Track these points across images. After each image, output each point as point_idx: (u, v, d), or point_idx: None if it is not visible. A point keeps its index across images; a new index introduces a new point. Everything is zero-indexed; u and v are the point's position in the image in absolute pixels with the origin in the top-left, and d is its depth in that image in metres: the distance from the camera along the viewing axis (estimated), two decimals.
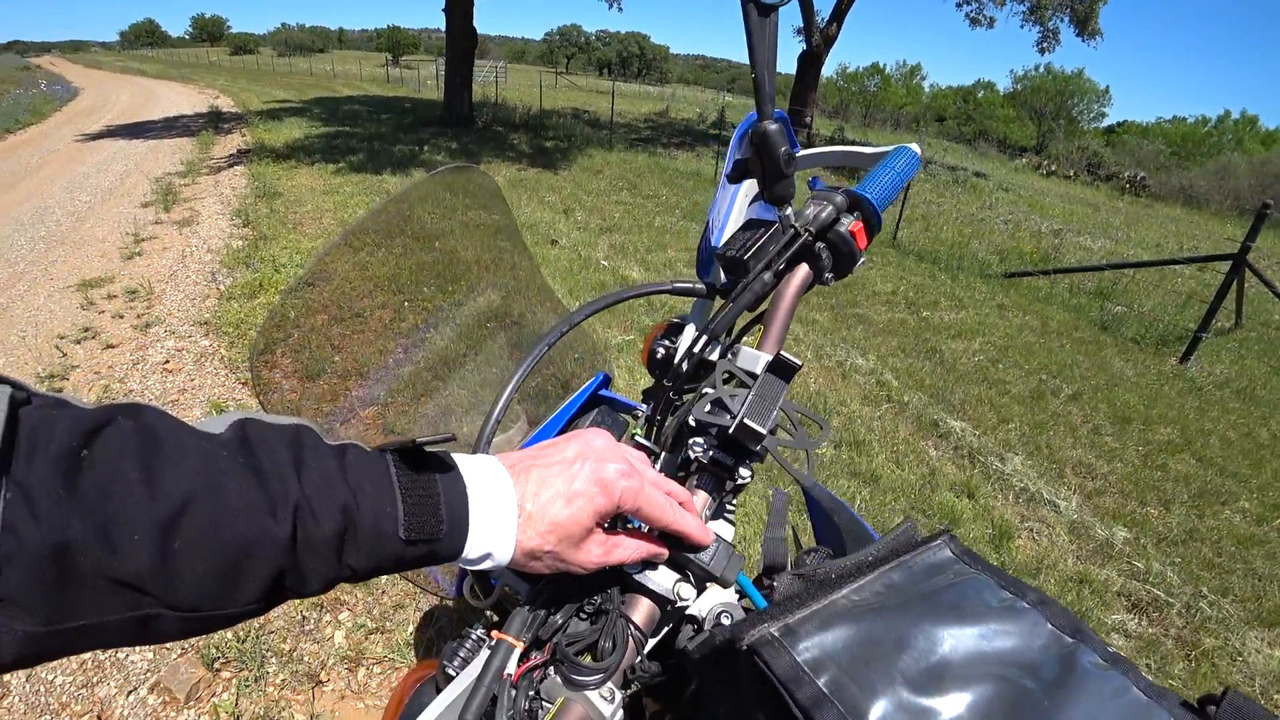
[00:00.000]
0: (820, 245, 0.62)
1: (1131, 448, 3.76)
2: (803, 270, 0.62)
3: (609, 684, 0.47)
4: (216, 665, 1.85)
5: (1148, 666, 2.23)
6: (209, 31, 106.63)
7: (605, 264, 5.66)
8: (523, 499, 0.44)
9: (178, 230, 5.86)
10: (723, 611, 0.55)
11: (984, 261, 7.32)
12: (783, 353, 0.53)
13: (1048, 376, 4.54)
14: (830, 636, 0.36)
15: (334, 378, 0.89)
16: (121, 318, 4.04)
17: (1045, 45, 15.25)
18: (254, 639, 1.91)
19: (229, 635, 1.92)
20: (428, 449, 0.43)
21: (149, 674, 1.85)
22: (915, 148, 0.70)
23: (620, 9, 14.34)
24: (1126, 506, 3.20)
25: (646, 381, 0.73)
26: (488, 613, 0.64)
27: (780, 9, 0.53)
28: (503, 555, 0.44)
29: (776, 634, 0.36)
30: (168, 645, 1.92)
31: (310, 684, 1.81)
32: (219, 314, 4.03)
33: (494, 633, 0.49)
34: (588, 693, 0.46)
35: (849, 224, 0.62)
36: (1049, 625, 0.38)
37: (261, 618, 1.98)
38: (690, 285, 0.66)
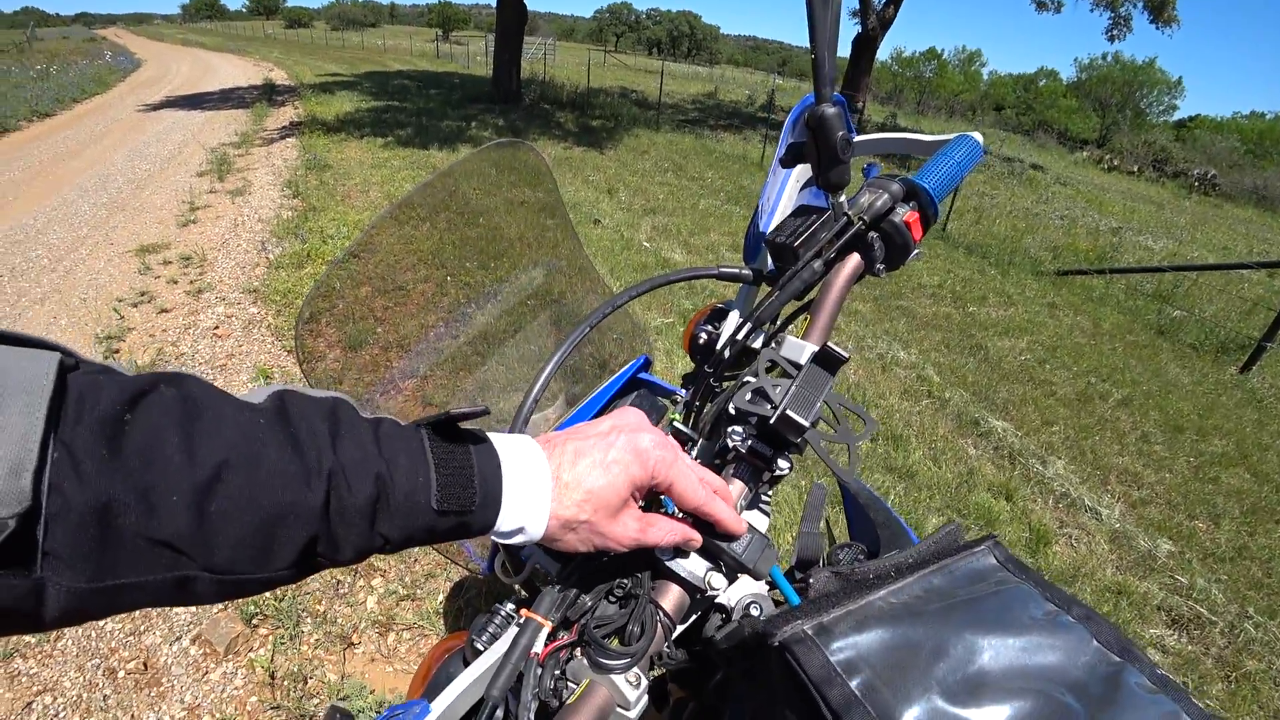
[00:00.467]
0: (873, 235, 0.60)
1: (1182, 458, 3.61)
2: (854, 260, 0.60)
3: (635, 669, 0.46)
4: (254, 622, 1.93)
5: (1186, 683, 2.16)
6: (265, 6, 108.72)
7: (647, 245, 5.63)
8: (558, 470, 0.44)
9: (230, 199, 6.03)
10: (752, 603, 0.54)
11: (1036, 258, 7.06)
12: (830, 344, 0.52)
13: (1097, 380, 4.37)
14: (865, 638, 0.34)
15: (376, 349, 0.90)
16: (175, 283, 4.19)
17: (1116, 32, 14.53)
18: (290, 599, 1.98)
19: (267, 595, 2.00)
20: (463, 425, 0.43)
21: (192, 626, 1.94)
22: (978, 136, 0.67)
23: None
24: (1173, 519, 3.08)
25: (686, 366, 0.72)
26: (518, 589, 0.64)
27: None
28: (536, 529, 0.44)
29: (810, 632, 0.35)
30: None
31: (342, 645, 1.87)
32: (268, 282, 4.14)
33: (523, 611, 0.49)
34: (613, 676, 0.45)
35: (904, 214, 0.60)
36: (1095, 642, 0.36)
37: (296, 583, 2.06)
38: (737, 271, 0.64)
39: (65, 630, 1.91)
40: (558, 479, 0.44)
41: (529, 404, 0.58)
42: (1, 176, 6.88)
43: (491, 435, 0.44)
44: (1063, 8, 14.86)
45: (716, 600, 0.55)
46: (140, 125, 10.07)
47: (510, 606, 0.59)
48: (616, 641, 0.47)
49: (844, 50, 15.45)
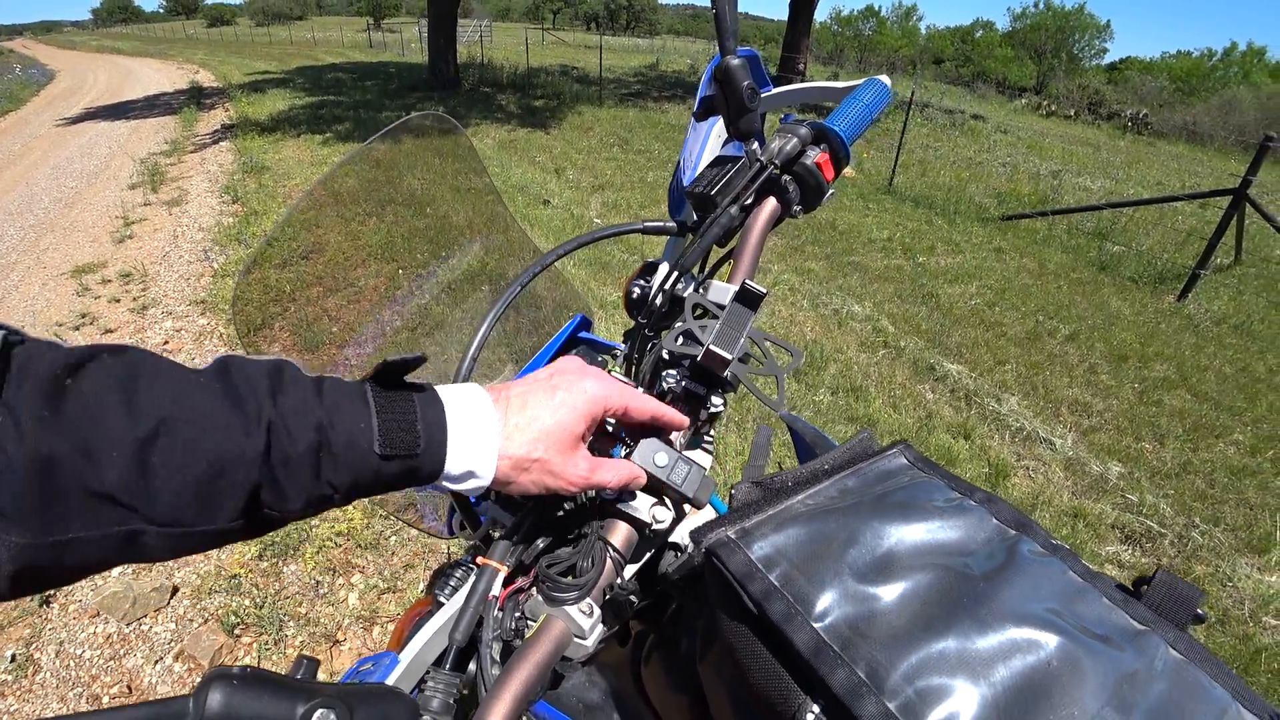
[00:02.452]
0: (786, 178, 0.63)
1: (1127, 385, 3.78)
2: (770, 204, 0.63)
3: (587, 599, 0.49)
4: (236, 631, 1.92)
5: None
6: (184, 4, 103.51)
7: (598, 221, 5.62)
8: (506, 413, 0.46)
9: (167, 210, 5.81)
10: None
11: (981, 206, 7.24)
12: (748, 282, 0.54)
13: (1044, 318, 4.54)
14: (783, 536, 0.38)
15: (316, 328, 0.90)
16: (118, 301, 4.05)
17: None
18: (270, 605, 1.97)
19: (246, 602, 1.98)
20: (407, 380, 0.45)
21: (173, 643, 1.92)
22: (885, 79, 0.70)
23: None
24: (1121, 442, 3.24)
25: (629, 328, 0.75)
26: (478, 545, 0.66)
27: None
28: (485, 472, 0.45)
29: (733, 536, 0.38)
30: (187, 615, 1.98)
31: (329, 643, 1.87)
32: (214, 292, 4.03)
33: (479, 559, 0.51)
34: (567, 608, 0.48)
35: (815, 156, 0.63)
36: (994, 520, 0.40)
37: (275, 585, 2.04)
38: (661, 224, 0.67)
39: (41, 663, 1.88)
40: (505, 421, 0.46)
41: (469, 359, 0.59)
42: None
43: (437, 386, 0.46)
44: None
45: (671, 539, 0.59)
46: (61, 140, 9.58)
47: (468, 560, 0.61)
48: (570, 578, 0.50)
49: (781, 13, 15.41)
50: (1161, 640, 0.34)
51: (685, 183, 0.67)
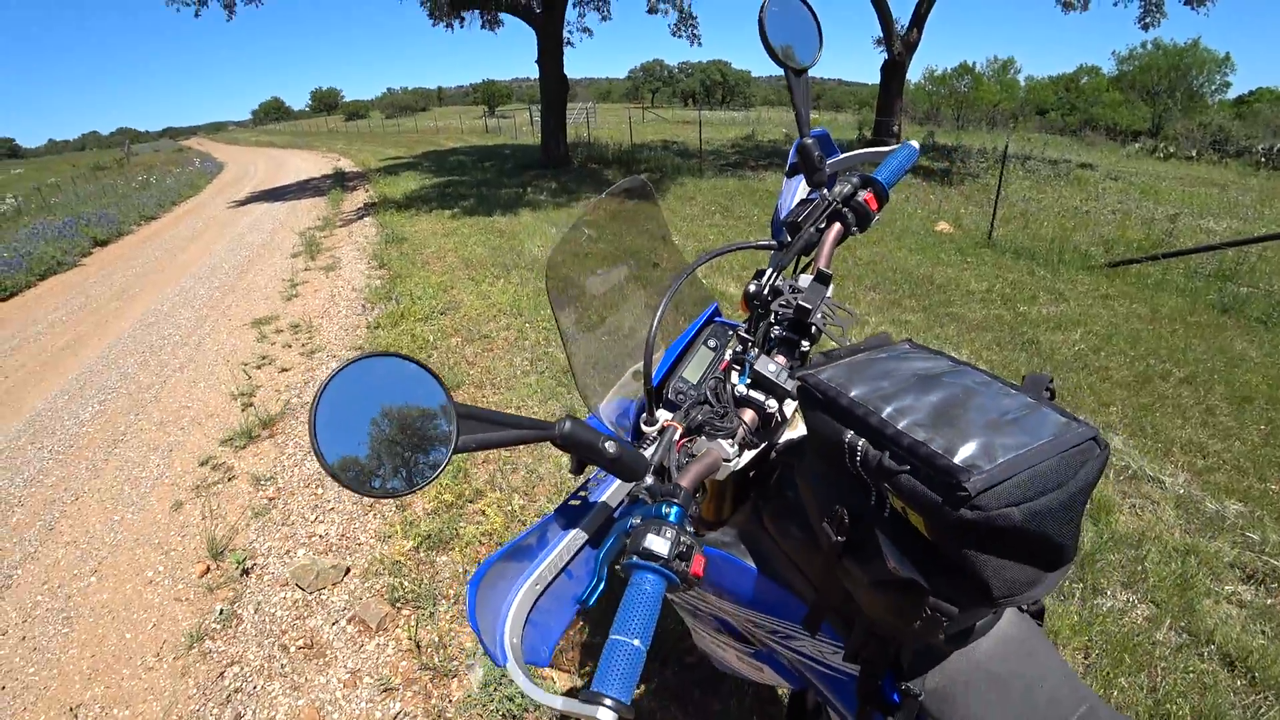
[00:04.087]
0: (845, 209, 0.95)
1: (1251, 427, 3.63)
2: (836, 226, 0.95)
3: (731, 438, 0.80)
4: (398, 604, 2.31)
5: (1261, 632, 2.25)
6: (325, 102, 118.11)
7: (705, 281, 6.01)
8: None
9: (324, 274, 6.79)
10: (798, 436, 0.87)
11: (1087, 254, 7.06)
12: (820, 267, 0.86)
13: (1156, 361, 4.42)
14: (834, 370, 0.68)
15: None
16: (290, 347, 4.82)
17: (1149, 20, 14.32)
18: (427, 585, 2.36)
19: (406, 582, 2.38)
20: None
21: (345, 610, 2.33)
22: (915, 144, 1.03)
23: (700, 44, 14.92)
24: (1242, 483, 3.13)
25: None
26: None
27: (810, 69, 0.88)
28: None
29: (812, 372, 0.68)
30: (357, 591, 2.38)
31: None
32: (370, 340, 4.72)
33: (663, 422, 0.83)
34: (719, 440, 0.79)
35: (864, 195, 0.95)
36: (948, 360, 0.68)
37: (430, 571, 2.42)
38: (768, 242, 1.00)
39: (243, 617, 2.34)
40: None
41: (652, 332, 0.91)
42: (127, 272, 7.93)
43: None
44: (1089, 4, 14.79)
45: (772, 442, 0.88)
46: (233, 219, 11.30)
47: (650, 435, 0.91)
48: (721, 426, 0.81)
49: (873, 77, 15.79)
50: (1030, 396, 0.61)
51: (781, 215, 1.00)
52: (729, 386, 0.85)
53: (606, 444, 0.66)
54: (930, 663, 0.70)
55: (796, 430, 0.90)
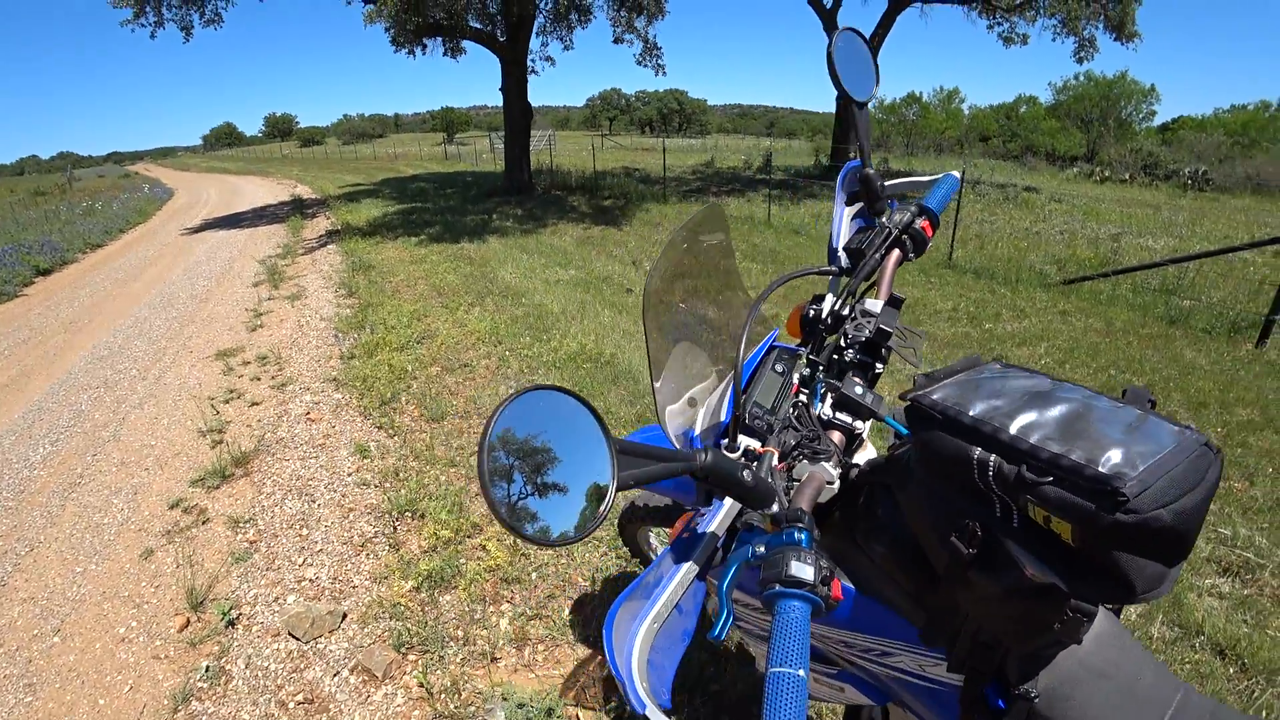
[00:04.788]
0: (904, 237, 0.97)
1: (1209, 430, 3.81)
2: (896, 252, 0.97)
3: (831, 460, 0.79)
4: (403, 649, 2.21)
5: (1244, 621, 2.34)
6: (280, 128, 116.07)
7: (683, 306, 6.04)
8: None
9: (290, 304, 6.60)
10: (870, 460, 0.87)
11: (1042, 272, 7.38)
12: (895, 292, 0.87)
13: (1116, 372, 4.61)
14: (942, 390, 0.70)
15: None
16: (259, 380, 4.65)
17: (1083, 55, 15.27)
18: (431, 628, 2.27)
19: (410, 624, 2.28)
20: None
21: (346, 659, 2.22)
22: (956, 174, 1.07)
23: (665, 74, 15.27)
24: None
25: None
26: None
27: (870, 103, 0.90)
28: None
29: (921, 393, 0.70)
30: (357, 638, 2.27)
31: (486, 660, 2.14)
32: (345, 372, 4.59)
33: (759, 449, 0.81)
34: (822, 463, 0.78)
35: (920, 222, 0.98)
36: (1048, 379, 0.71)
37: (434, 612, 2.33)
38: (828, 268, 1.01)
39: (233, 674, 2.20)
40: None
41: (740, 361, 0.90)
42: (75, 303, 7.56)
43: None
44: (1029, 39, 15.73)
45: (852, 463, 0.88)
46: (188, 247, 10.92)
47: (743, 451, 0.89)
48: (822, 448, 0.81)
49: (829, 106, 16.38)
50: (1137, 408, 0.64)
51: (834, 244, 1.01)
52: (812, 410, 0.85)
53: (744, 473, 0.66)
54: (1038, 666, 0.72)
55: (867, 451, 0.90)
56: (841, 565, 0.86)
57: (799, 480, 0.77)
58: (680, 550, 0.74)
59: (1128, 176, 19.96)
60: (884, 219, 0.99)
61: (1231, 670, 2.12)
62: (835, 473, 0.78)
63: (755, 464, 0.80)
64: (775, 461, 0.79)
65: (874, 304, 0.92)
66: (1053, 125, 40.45)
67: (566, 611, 2.30)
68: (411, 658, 2.19)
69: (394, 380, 4.33)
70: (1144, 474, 0.55)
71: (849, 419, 0.83)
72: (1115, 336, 5.43)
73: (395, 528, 2.82)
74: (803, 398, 0.88)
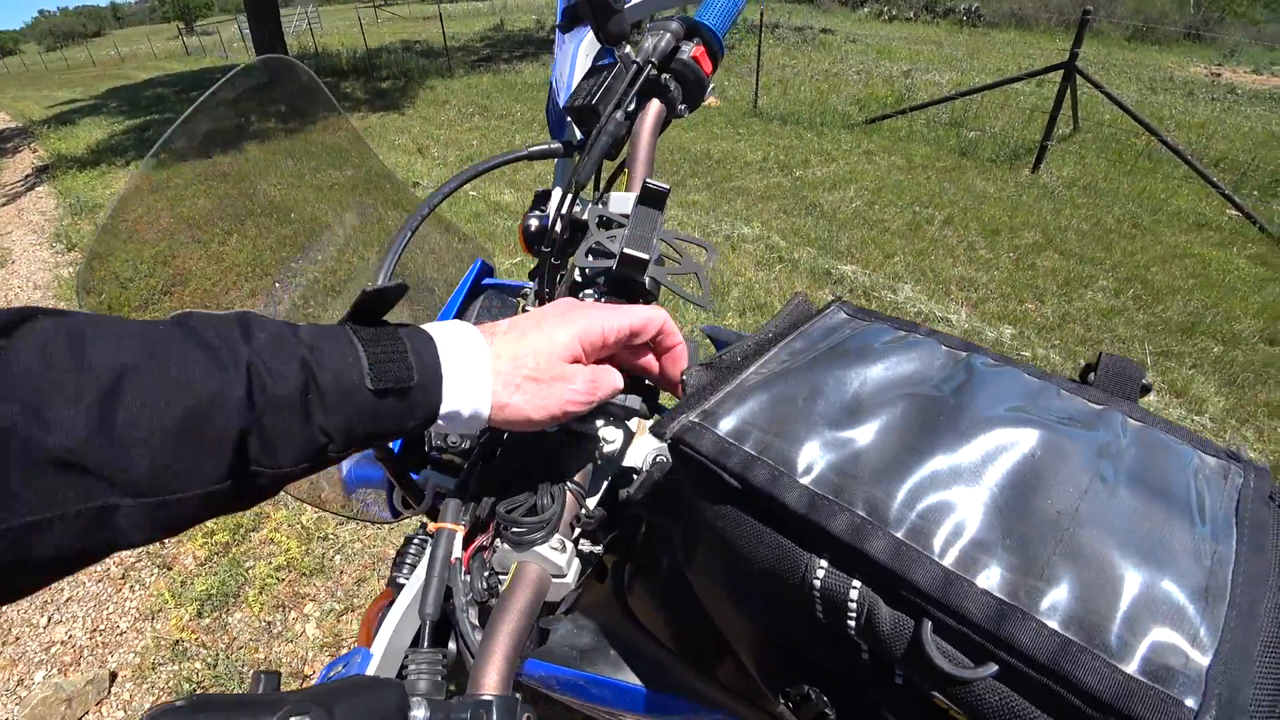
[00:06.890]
0: (666, 76, 0.61)
1: (1003, 255, 4.09)
2: (655, 105, 0.62)
3: (556, 535, 0.48)
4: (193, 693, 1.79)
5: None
6: None
7: (474, 194, 5.41)
8: (493, 339, 0.44)
9: None
10: (657, 455, 0.57)
11: (845, 114, 7.50)
12: (648, 180, 0.53)
13: (920, 208, 4.80)
14: (746, 407, 0.37)
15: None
16: None
17: None
18: (224, 660, 1.84)
19: (197, 665, 1.84)
20: (386, 319, 0.42)
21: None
22: None
23: None
24: (1008, 307, 3.52)
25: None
26: (425, 519, 0.63)
27: None
28: (483, 402, 0.42)
29: (696, 420, 0.38)
30: (134, 699, 1.82)
31: (298, 680, 1.78)
32: None
33: (430, 525, 0.49)
34: (537, 549, 0.47)
35: (691, 50, 0.62)
36: (942, 346, 0.42)
37: (224, 639, 1.90)
38: (546, 148, 0.64)
39: None
40: (493, 344, 0.44)
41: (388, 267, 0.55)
42: None
43: (424, 325, 0.43)
44: None
45: (625, 464, 0.58)
46: None
47: (420, 535, 0.58)
48: (534, 518, 0.48)
49: None
50: (1119, 413, 0.37)
51: (562, 101, 0.64)
52: None
53: None
54: None
55: (644, 443, 0.58)
56: (617, 646, 0.58)
57: (504, 575, 0.46)
58: None
59: (912, 14, 20.87)
60: (626, 49, 0.61)
61: None
62: (563, 557, 0.48)
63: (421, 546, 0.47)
64: (459, 545, 0.48)
65: (621, 199, 0.57)
66: None
67: (382, 583, 1.97)
68: None
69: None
70: (1227, 689, 0.25)
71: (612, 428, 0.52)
72: (915, 173, 5.65)
73: (162, 544, 2.26)
74: None
